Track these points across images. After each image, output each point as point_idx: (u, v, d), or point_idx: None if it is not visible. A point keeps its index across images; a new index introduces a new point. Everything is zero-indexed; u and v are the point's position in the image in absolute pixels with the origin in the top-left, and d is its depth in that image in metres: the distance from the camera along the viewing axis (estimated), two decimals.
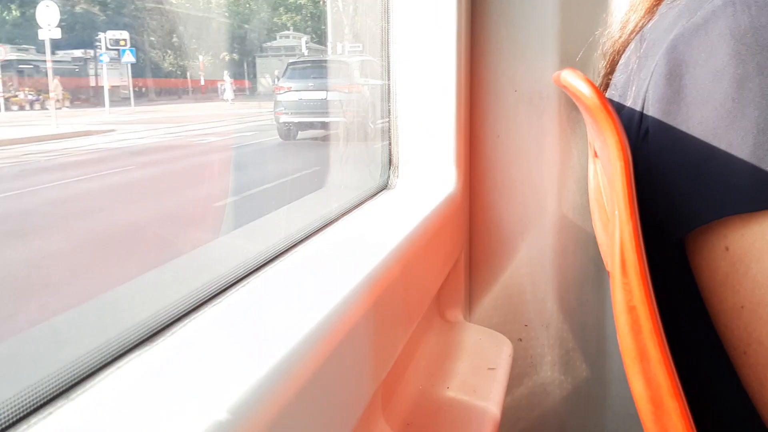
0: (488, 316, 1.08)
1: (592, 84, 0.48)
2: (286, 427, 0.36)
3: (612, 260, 0.49)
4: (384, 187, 0.93)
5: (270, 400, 0.34)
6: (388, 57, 0.93)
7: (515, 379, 1.08)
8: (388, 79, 0.93)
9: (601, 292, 1.08)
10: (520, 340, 1.09)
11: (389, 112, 0.94)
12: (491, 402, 0.72)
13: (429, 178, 0.94)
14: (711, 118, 0.50)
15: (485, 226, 1.07)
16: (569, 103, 1.02)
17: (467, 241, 1.07)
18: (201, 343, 0.39)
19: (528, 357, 1.09)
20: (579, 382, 1.10)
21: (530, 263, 1.07)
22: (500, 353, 0.85)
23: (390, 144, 0.94)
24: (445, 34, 0.91)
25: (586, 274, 1.07)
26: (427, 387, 0.74)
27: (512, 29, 1.01)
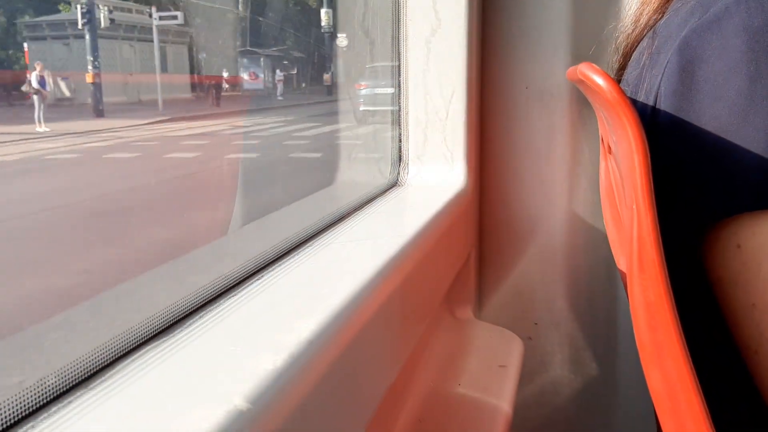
0: (498, 314, 1.08)
1: (610, 78, 0.48)
2: (304, 419, 0.36)
3: (630, 256, 0.49)
4: (394, 184, 0.93)
5: (290, 390, 0.34)
6: (398, 54, 0.93)
7: (524, 377, 1.07)
8: (399, 75, 0.93)
9: (611, 291, 1.07)
10: (530, 338, 1.08)
11: (399, 108, 0.94)
12: (503, 399, 0.71)
13: (439, 176, 0.93)
14: (723, 115, 0.50)
15: (495, 223, 1.07)
16: (580, 101, 1.01)
17: (477, 239, 1.07)
18: (220, 333, 0.39)
19: (537, 355, 1.09)
20: (589, 381, 1.10)
21: (540, 261, 1.07)
22: (511, 351, 0.85)
23: (400, 141, 0.94)
24: (456, 31, 0.91)
25: (596, 273, 1.07)
26: (438, 384, 0.74)
27: (523, 26, 1.01)
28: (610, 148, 0.69)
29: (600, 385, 1.10)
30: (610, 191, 0.77)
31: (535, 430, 1.10)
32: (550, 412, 1.10)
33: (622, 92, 0.46)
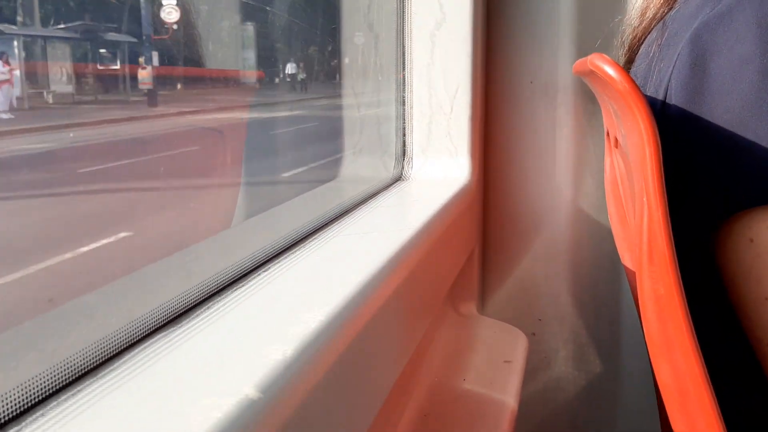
0: (501, 309, 1.08)
1: (621, 68, 0.47)
2: (314, 408, 0.35)
3: (639, 249, 0.49)
4: (398, 179, 0.93)
5: (300, 380, 0.34)
6: (403, 47, 0.93)
7: (528, 373, 1.07)
8: (403, 69, 0.93)
9: (616, 287, 1.07)
10: (534, 334, 1.08)
11: (404, 102, 0.93)
12: (508, 395, 0.71)
13: (443, 170, 0.93)
14: (736, 108, 0.49)
15: (499, 218, 1.06)
16: (586, 95, 1.01)
17: (481, 234, 1.06)
18: (229, 324, 0.39)
19: (541, 351, 1.09)
20: (592, 378, 1.09)
21: (544, 257, 1.06)
22: (515, 346, 0.85)
23: (404, 135, 0.94)
24: (460, 24, 0.90)
25: (601, 269, 1.07)
26: (443, 379, 0.73)
27: (528, 19, 1.01)
28: (616, 142, 0.68)
29: (604, 380, 1.10)
30: (615, 186, 0.77)
31: (540, 425, 1.10)
32: (554, 407, 1.10)
33: (634, 83, 0.46)
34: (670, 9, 0.64)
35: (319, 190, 0.94)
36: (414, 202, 0.86)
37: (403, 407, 0.64)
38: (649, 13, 0.67)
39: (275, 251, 0.55)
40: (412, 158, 0.93)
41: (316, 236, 0.64)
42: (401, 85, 0.93)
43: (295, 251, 0.58)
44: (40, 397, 0.29)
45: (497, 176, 1.06)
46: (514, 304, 1.08)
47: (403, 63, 0.92)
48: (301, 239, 0.62)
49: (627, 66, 0.72)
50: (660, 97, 0.57)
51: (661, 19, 0.64)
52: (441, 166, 0.93)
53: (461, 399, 0.70)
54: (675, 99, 0.54)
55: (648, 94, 0.60)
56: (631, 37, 0.72)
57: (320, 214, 0.70)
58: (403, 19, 0.92)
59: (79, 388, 0.30)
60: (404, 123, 0.93)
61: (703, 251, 0.55)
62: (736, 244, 0.51)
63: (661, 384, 0.49)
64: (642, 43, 0.68)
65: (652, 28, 0.65)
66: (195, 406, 0.28)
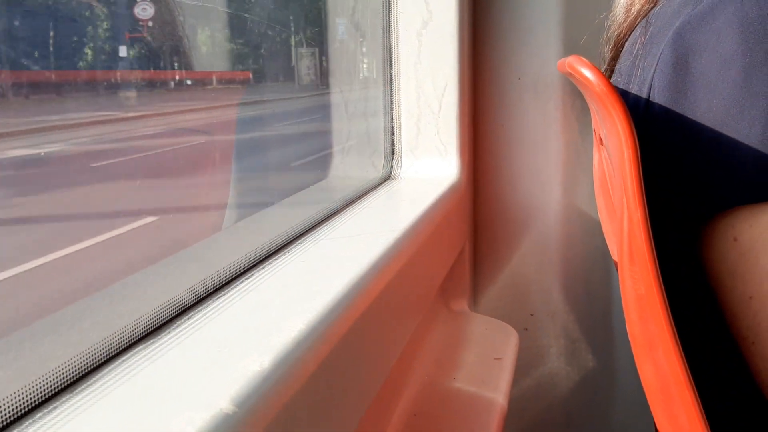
0: (493, 306, 1.08)
1: (598, 70, 0.47)
2: (294, 417, 0.36)
3: (620, 249, 0.49)
4: (387, 178, 0.93)
5: (277, 390, 0.34)
6: (389, 45, 0.93)
7: (521, 369, 1.07)
8: (390, 68, 0.92)
9: (607, 281, 1.07)
10: (526, 329, 1.08)
11: (391, 101, 0.93)
12: (498, 392, 0.71)
13: (432, 168, 0.93)
14: (718, 107, 0.49)
15: (490, 215, 1.07)
16: (574, 91, 1.01)
17: (471, 231, 1.06)
18: (207, 335, 0.39)
19: (534, 347, 1.09)
20: (585, 372, 1.10)
21: (535, 252, 1.07)
22: (506, 343, 0.85)
23: (393, 134, 0.94)
24: (447, 23, 0.90)
25: (592, 263, 1.07)
26: (433, 377, 0.74)
27: (515, 16, 1.01)
28: (602, 139, 0.68)
29: (597, 375, 1.10)
30: (603, 182, 0.77)
31: (532, 421, 1.10)
32: (546, 403, 1.10)
33: (611, 85, 0.46)
34: (654, 5, 0.63)
35: (309, 190, 0.94)
36: (403, 201, 0.86)
37: (392, 408, 0.64)
38: (634, 10, 0.67)
39: (260, 257, 0.55)
40: (401, 157, 0.93)
41: (303, 239, 0.64)
42: (389, 84, 0.93)
43: (281, 255, 0.58)
44: (16, 416, 0.29)
45: (487, 173, 1.06)
46: (506, 300, 1.08)
47: (390, 62, 0.92)
48: (288, 243, 0.62)
49: (613, 62, 0.72)
50: (643, 95, 0.57)
51: (645, 15, 0.64)
52: (430, 164, 0.93)
53: (451, 398, 0.71)
54: (658, 98, 0.54)
55: (632, 91, 0.60)
56: (616, 33, 0.71)
57: (309, 215, 0.70)
58: (389, 17, 0.92)
59: (54, 405, 0.30)
60: (392, 122, 0.93)
61: (689, 251, 0.55)
62: (720, 243, 0.51)
63: (644, 383, 0.49)
64: (627, 39, 0.68)
65: (637, 25, 0.65)
66: (169, 422, 0.29)
